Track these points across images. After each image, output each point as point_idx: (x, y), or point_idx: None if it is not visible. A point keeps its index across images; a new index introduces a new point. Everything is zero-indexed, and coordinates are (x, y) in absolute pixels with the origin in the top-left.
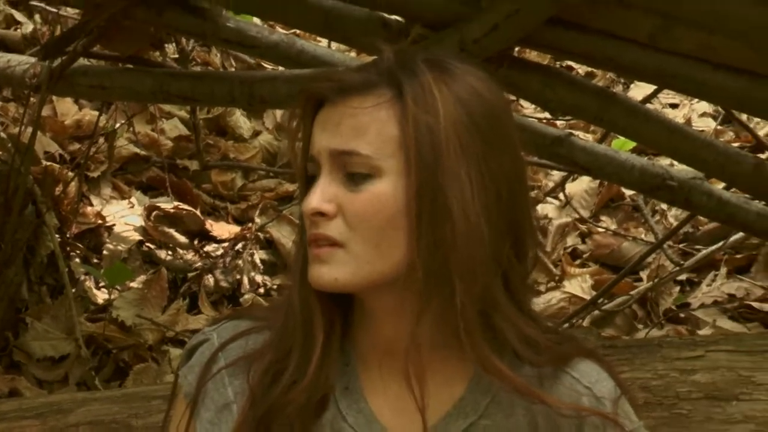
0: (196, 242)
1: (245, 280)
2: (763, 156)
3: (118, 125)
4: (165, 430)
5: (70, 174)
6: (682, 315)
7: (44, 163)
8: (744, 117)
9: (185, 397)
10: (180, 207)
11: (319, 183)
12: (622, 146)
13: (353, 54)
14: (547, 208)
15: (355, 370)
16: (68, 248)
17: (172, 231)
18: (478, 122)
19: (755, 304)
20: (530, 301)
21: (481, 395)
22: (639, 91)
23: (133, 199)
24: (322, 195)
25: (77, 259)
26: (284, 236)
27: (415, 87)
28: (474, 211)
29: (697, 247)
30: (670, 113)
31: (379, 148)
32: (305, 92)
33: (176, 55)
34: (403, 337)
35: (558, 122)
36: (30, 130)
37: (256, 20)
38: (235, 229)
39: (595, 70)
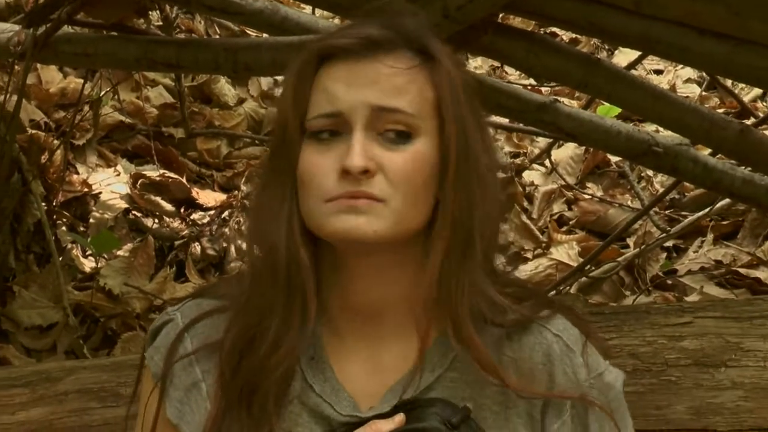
0: (182, 210)
1: (232, 247)
2: (748, 122)
3: (103, 93)
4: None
5: (56, 142)
6: (669, 281)
7: (29, 131)
8: (729, 83)
9: (153, 377)
10: (166, 175)
11: (356, 140)
12: (607, 113)
13: (337, 21)
14: (532, 175)
15: (320, 339)
16: (54, 216)
17: (158, 199)
18: (473, 86)
19: (742, 270)
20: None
21: (447, 349)
22: (623, 57)
23: (118, 167)
24: (364, 153)
25: (64, 228)
26: None
27: (440, 53)
28: (490, 171)
29: (684, 213)
30: (654, 79)
31: (420, 108)
32: (322, 45)
33: (160, 23)
34: (384, 296)
35: (542, 89)
36: (15, 98)
37: None
38: (221, 196)
39: (579, 37)
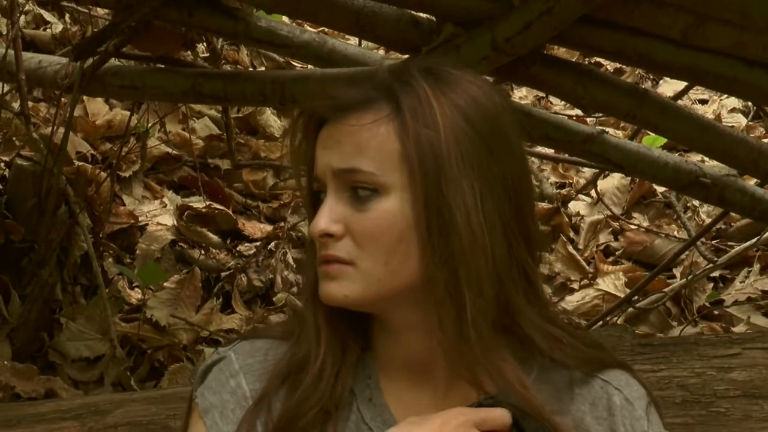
0: (228, 241)
1: (278, 279)
2: None
3: (150, 125)
4: None
5: (103, 174)
6: (716, 312)
7: (76, 163)
8: None
9: (201, 413)
10: (212, 206)
11: (325, 203)
12: (653, 143)
13: (382, 52)
14: (578, 206)
15: (377, 384)
16: (101, 248)
17: (204, 230)
18: (479, 129)
19: None
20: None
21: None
22: (668, 87)
23: (165, 199)
24: (329, 216)
25: (110, 259)
26: None
27: (413, 99)
28: (478, 222)
29: (730, 243)
30: (699, 109)
31: (381, 163)
32: (304, 112)
33: (207, 55)
34: (424, 348)
35: (588, 119)
36: (62, 130)
37: (285, 19)
38: (267, 228)
39: (624, 67)
